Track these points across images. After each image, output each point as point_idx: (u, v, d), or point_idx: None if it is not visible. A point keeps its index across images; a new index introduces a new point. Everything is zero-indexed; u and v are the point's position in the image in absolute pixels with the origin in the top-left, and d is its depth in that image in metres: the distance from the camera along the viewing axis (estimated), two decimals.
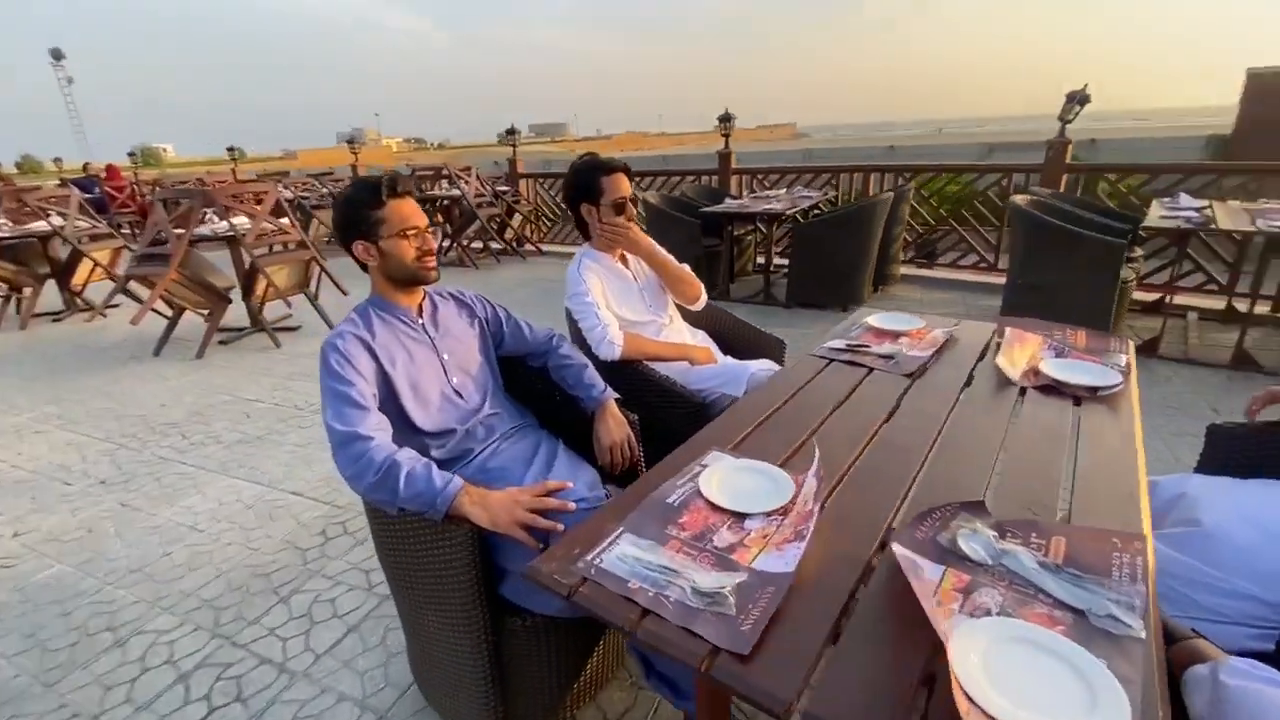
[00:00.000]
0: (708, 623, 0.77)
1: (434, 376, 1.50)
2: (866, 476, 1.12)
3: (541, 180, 7.77)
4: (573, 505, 1.20)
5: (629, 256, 2.07)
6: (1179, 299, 4.39)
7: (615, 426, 1.57)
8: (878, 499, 1.04)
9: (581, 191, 1.95)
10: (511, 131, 7.36)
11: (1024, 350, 1.59)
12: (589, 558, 0.90)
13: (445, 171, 7.04)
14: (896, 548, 0.86)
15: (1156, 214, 3.67)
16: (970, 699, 0.64)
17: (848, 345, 1.71)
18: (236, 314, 4.61)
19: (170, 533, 2.33)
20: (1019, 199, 3.98)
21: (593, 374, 1.66)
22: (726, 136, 6.17)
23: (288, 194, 5.42)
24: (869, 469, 1.14)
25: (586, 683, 1.47)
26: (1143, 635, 0.73)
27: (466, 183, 6.64)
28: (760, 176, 6.29)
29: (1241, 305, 4.22)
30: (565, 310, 1.97)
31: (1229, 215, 3.51)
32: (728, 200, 5.39)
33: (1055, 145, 4.78)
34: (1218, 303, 4.32)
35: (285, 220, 4.56)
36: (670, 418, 1.73)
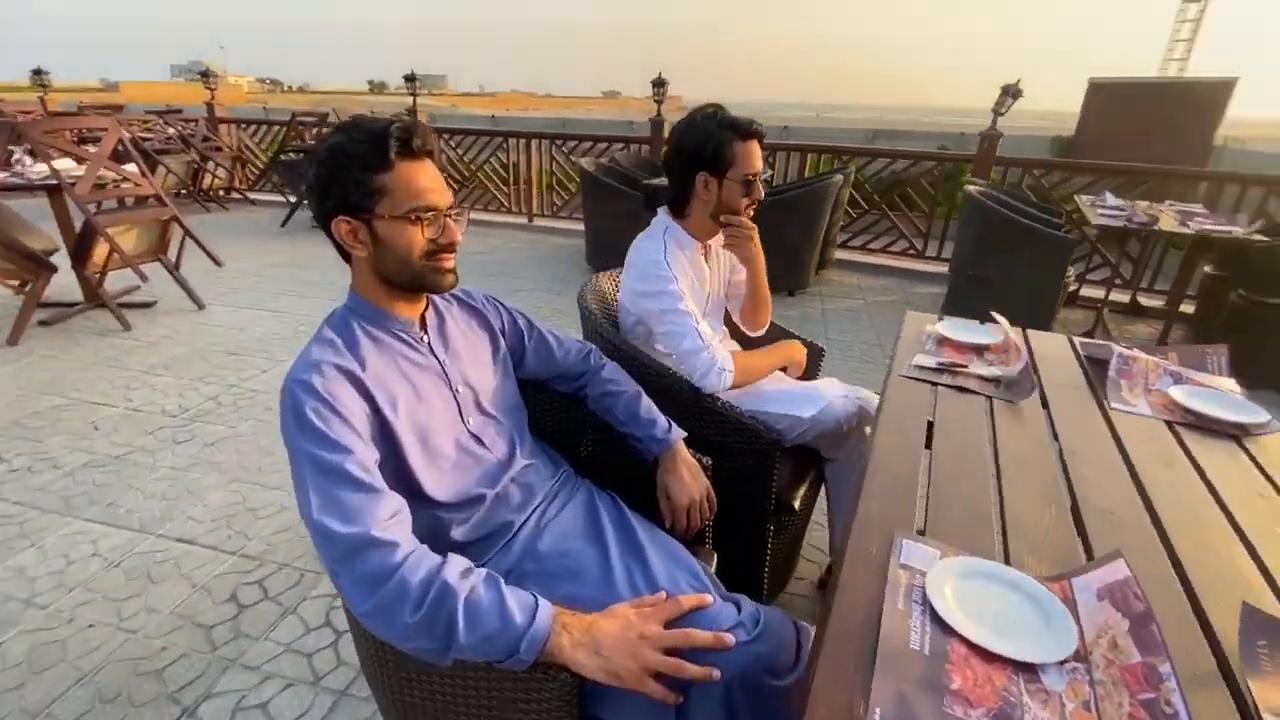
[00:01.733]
0: None
1: (447, 418, 1.05)
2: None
3: (448, 135, 6.91)
4: (732, 640, 0.83)
5: (714, 251, 1.65)
6: (1085, 291, 4.69)
7: (691, 479, 1.19)
8: (1164, 604, 0.76)
9: (705, 157, 1.45)
10: (411, 79, 6.45)
11: (1139, 373, 1.41)
12: None
13: (333, 120, 6.04)
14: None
15: (1095, 213, 3.80)
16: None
17: (939, 365, 1.45)
18: (62, 286, 3.59)
19: None
20: (972, 189, 3.98)
21: (650, 406, 1.26)
22: (659, 103, 5.77)
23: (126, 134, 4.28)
24: (1104, 548, 0.87)
25: None
26: None
27: None
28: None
29: (1145, 300, 4.58)
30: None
31: (1166, 218, 3.69)
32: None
33: (987, 137, 4.88)
34: (1122, 296, 4.65)
35: (132, 167, 3.58)
36: (732, 461, 1.37)
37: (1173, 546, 0.89)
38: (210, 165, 6.61)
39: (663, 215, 1.59)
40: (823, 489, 1.69)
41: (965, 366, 1.44)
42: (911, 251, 5.40)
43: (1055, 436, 1.20)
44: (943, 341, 1.59)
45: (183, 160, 5.99)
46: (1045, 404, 1.32)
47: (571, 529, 1.08)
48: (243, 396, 2.81)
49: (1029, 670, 0.67)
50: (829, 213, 4.55)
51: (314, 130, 6.25)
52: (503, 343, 1.21)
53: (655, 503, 1.22)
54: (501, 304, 1.25)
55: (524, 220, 6.46)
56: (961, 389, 1.35)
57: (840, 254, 5.35)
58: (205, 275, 4.31)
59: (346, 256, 1.01)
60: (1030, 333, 1.71)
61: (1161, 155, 15.11)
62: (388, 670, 0.92)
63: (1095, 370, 1.48)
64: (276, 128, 7.16)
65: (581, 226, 5.18)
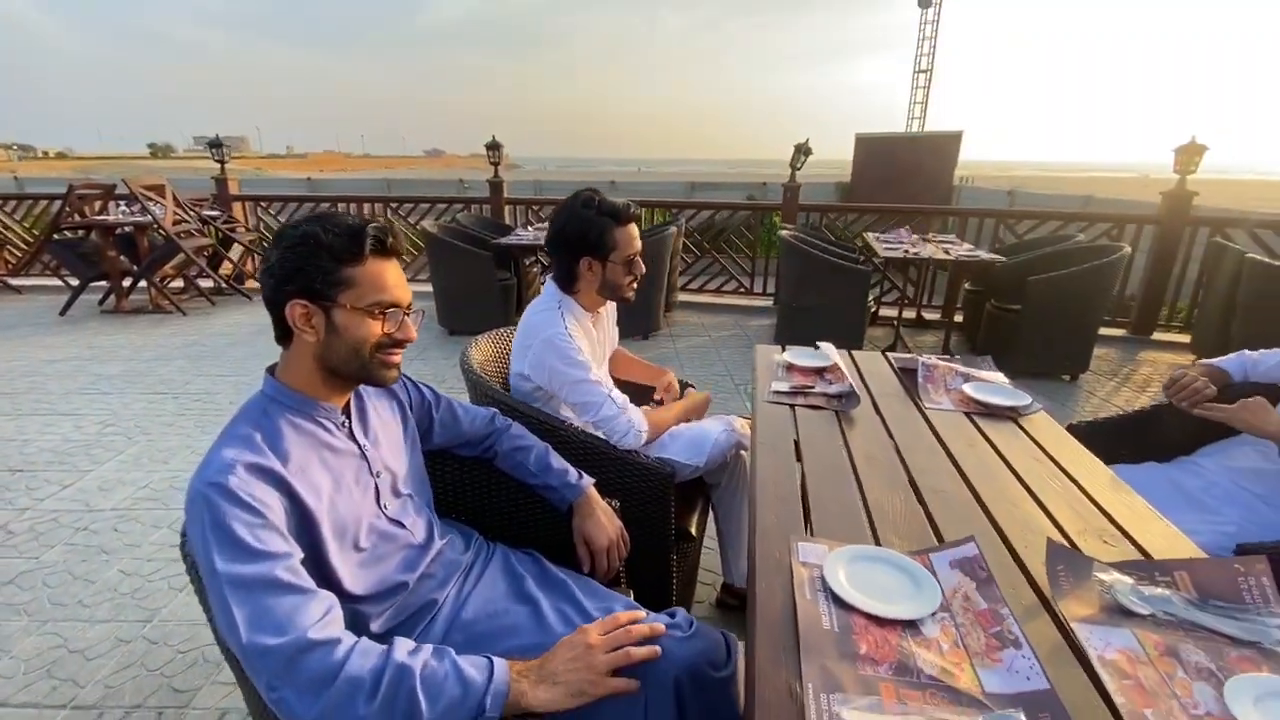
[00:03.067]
0: None
1: (366, 507, 1.03)
2: (956, 528, 1.06)
3: (266, 204, 6.42)
4: (663, 629, 0.91)
5: (602, 316, 1.75)
6: (883, 311, 5.54)
7: (607, 521, 1.27)
8: (993, 554, 0.98)
9: (589, 244, 1.56)
10: (216, 144, 5.94)
11: (939, 377, 1.75)
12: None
13: (123, 190, 5.35)
14: (1083, 628, 0.82)
15: (880, 247, 4.54)
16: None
17: (791, 389, 1.68)
18: None
19: None
20: (785, 233, 4.56)
21: (558, 457, 1.32)
22: (496, 165, 5.88)
23: None
24: (948, 520, 1.09)
25: None
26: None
27: (160, 205, 5.12)
28: (537, 208, 6.15)
29: (927, 314, 5.49)
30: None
31: (931, 247, 4.50)
32: (517, 232, 5.12)
33: (790, 189, 5.63)
34: (910, 313, 5.54)
35: None
36: (634, 499, 1.47)
37: (989, 511, 1.15)
38: None
39: (553, 289, 1.68)
40: (711, 513, 1.84)
41: (812, 388, 1.68)
42: (742, 289, 5.98)
43: (890, 435, 1.45)
44: (790, 368, 1.84)
45: None
46: (878, 410, 1.60)
47: (494, 592, 1.10)
48: (42, 521, 2.36)
49: (912, 626, 0.84)
50: (669, 259, 4.92)
51: (98, 204, 5.47)
52: (411, 419, 1.21)
53: (569, 555, 1.27)
54: (408, 379, 1.25)
55: None
56: (814, 407, 1.58)
57: (682, 296, 5.77)
58: None
59: (284, 339, 0.99)
60: (854, 353, 2.03)
61: (916, 194, 18.32)
62: None
63: (908, 378, 1.80)
64: (44, 202, 6.17)
65: (429, 288, 5.06)
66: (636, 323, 4.78)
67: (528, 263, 5.28)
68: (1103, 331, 4.83)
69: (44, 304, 5.49)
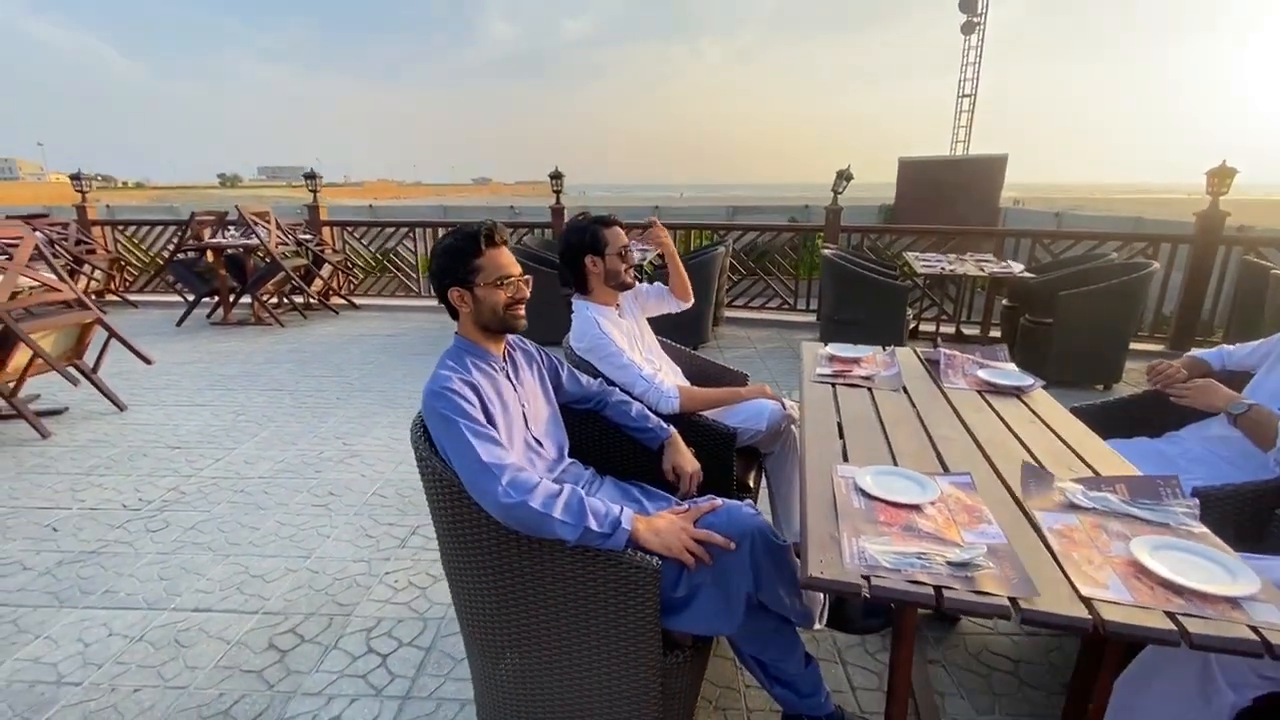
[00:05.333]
0: (991, 583, 0.97)
1: (519, 427, 1.47)
2: (958, 462, 1.42)
3: (350, 228, 7.13)
4: (733, 545, 1.25)
5: (624, 307, 2.17)
6: (922, 327, 5.80)
7: (691, 455, 1.67)
8: (984, 477, 1.33)
9: (586, 245, 2.03)
10: (311, 175, 6.67)
11: (958, 364, 2.09)
12: (849, 559, 1.04)
13: (233, 217, 6.09)
14: (1040, 514, 1.17)
15: (919, 264, 4.85)
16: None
17: (834, 372, 2.05)
18: None
19: (25, 698, 1.70)
20: (828, 251, 4.92)
21: (647, 411, 1.74)
22: (558, 193, 6.44)
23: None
24: (953, 457, 1.45)
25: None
26: (1199, 529, 1.13)
27: (266, 229, 5.82)
28: None
29: (966, 329, 5.73)
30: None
31: (962, 265, 4.79)
32: None
33: (832, 211, 5.99)
34: (949, 328, 5.79)
35: (48, 272, 3.55)
36: (704, 451, 1.86)
37: (985, 452, 1.49)
38: (86, 269, 6.31)
39: (577, 301, 2.12)
40: (765, 479, 2.21)
41: (850, 372, 2.05)
42: (785, 305, 6.34)
43: (913, 405, 1.81)
44: (831, 359, 2.20)
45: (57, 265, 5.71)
46: (905, 389, 1.95)
47: (609, 496, 1.51)
48: (205, 484, 2.88)
49: (916, 508, 1.20)
50: (718, 277, 5.33)
51: (212, 230, 6.22)
52: (546, 377, 1.65)
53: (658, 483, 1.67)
54: (544, 351, 1.70)
55: (435, 302, 6.74)
56: (851, 385, 1.95)
57: (729, 312, 6.16)
58: (113, 379, 4.19)
59: (453, 314, 1.46)
60: (889, 347, 2.38)
61: (961, 217, 18.31)
62: (520, 561, 1.26)
63: (931, 367, 2.15)
64: (156, 228, 7.02)
65: None
66: (686, 336, 5.19)
67: None
68: (1141, 346, 5.01)
69: (158, 316, 6.25)
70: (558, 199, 6.47)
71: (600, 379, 1.83)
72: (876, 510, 1.19)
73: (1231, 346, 1.99)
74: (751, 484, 2.01)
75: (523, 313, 1.48)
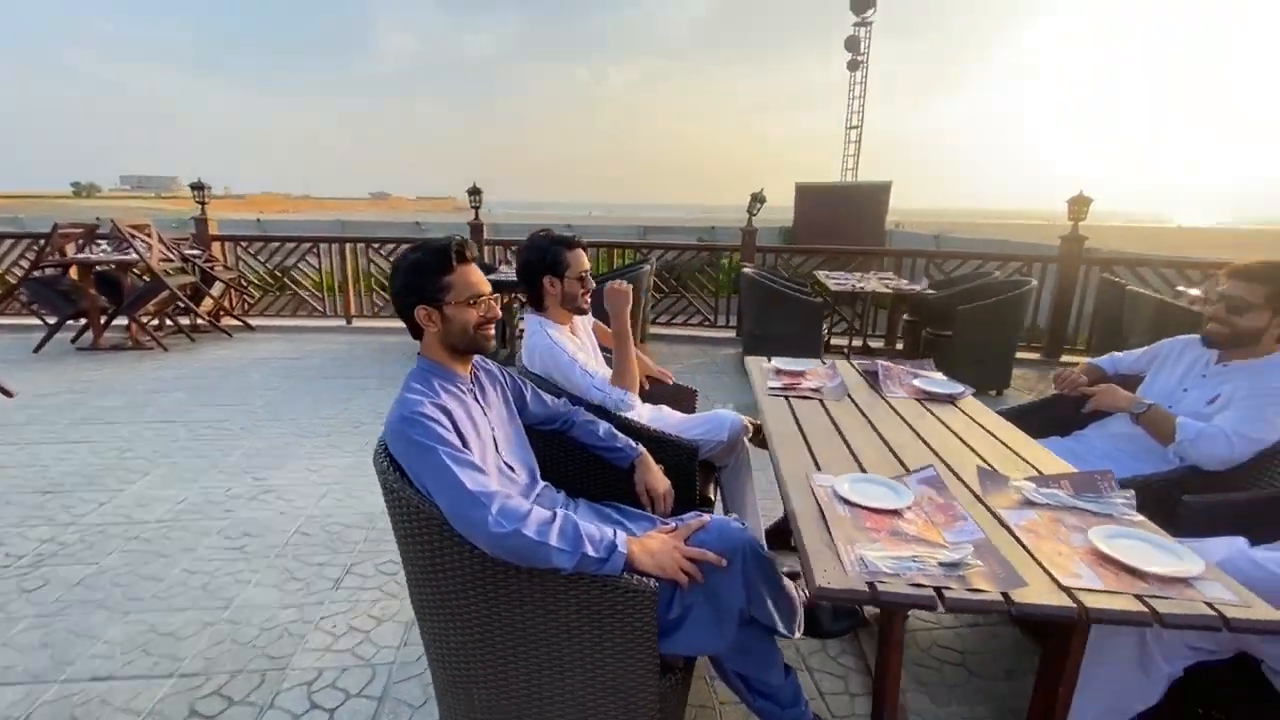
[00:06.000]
0: (981, 580, 1.03)
1: (491, 451, 1.41)
2: (914, 465, 1.50)
3: (245, 243, 6.57)
4: (725, 562, 1.25)
5: (578, 327, 2.14)
6: (834, 340, 6.16)
7: (662, 474, 1.66)
8: (946, 478, 1.42)
9: (546, 265, 1.98)
10: (198, 186, 6.10)
11: (895, 375, 2.23)
12: (850, 567, 1.07)
13: (104, 230, 5.45)
14: (1004, 511, 1.27)
15: (831, 283, 5.14)
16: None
17: (784, 385, 2.12)
18: None
19: None
20: (749, 270, 5.11)
21: (614, 430, 1.71)
22: (476, 209, 6.28)
23: None
24: (912, 462, 1.53)
25: None
26: (1139, 518, 1.26)
27: (146, 244, 5.24)
28: (507, 247, 6.55)
29: (872, 343, 6.13)
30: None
31: (869, 283, 5.14)
32: (501, 269, 5.49)
33: (747, 232, 6.25)
34: (857, 341, 6.17)
35: None
36: (669, 465, 1.86)
37: (938, 453, 1.60)
38: None
39: (530, 317, 2.08)
40: (719, 492, 2.23)
41: (798, 384, 2.13)
42: (706, 322, 6.50)
43: (863, 414, 1.91)
44: (778, 372, 2.28)
45: None
46: (851, 399, 2.05)
47: (587, 519, 1.47)
48: (89, 532, 2.52)
49: (896, 513, 1.26)
50: (643, 295, 5.39)
51: (79, 244, 5.52)
52: (511, 398, 1.59)
53: (630, 502, 1.65)
54: (507, 371, 1.63)
55: (341, 322, 6.34)
56: (803, 397, 2.03)
57: (653, 329, 6.23)
58: None
59: (416, 333, 1.37)
60: (828, 360, 2.50)
61: (854, 237, 19.73)
62: (514, 589, 1.18)
63: (870, 377, 2.28)
64: (4, 242, 6.14)
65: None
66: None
67: (509, 298, 5.65)
68: (1021, 355, 5.56)
69: (9, 342, 5.45)
70: (476, 215, 6.31)
71: (564, 398, 1.78)
72: (862, 517, 1.24)
73: (1121, 354, 2.26)
74: (713, 496, 2.02)
75: (493, 333, 1.42)
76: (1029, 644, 1.92)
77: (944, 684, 1.81)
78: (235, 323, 6.13)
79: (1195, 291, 4.89)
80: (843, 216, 21.58)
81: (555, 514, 1.17)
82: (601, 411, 1.88)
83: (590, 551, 1.13)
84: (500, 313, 1.46)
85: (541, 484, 1.52)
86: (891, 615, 1.20)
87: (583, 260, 2.04)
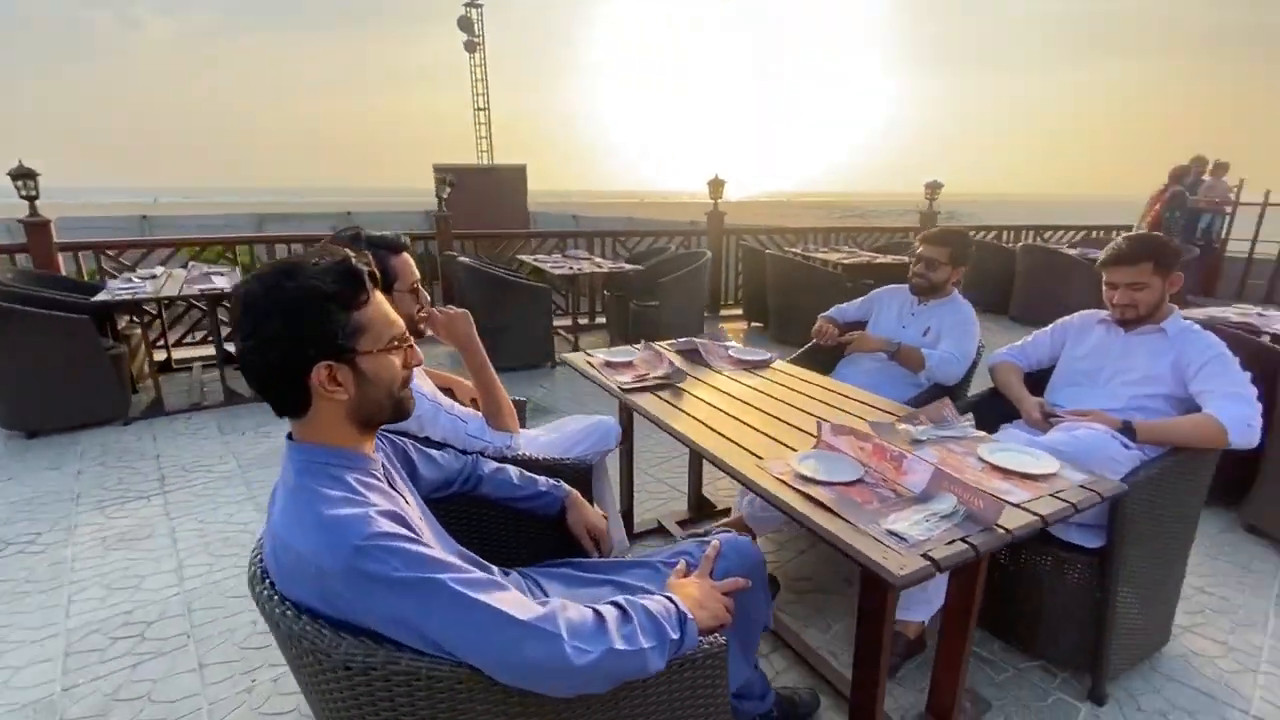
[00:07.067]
0: (981, 518, 1.18)
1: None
2: (790, 416, 1.63)
3: None
4: (750, 583, 1.15)
5: None
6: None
7: (595, 510, 1.42)
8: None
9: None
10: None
11: (712, 350, 2.36)
12: (904, 543, 1.10)
13: None
14: (915, 453, 1.49)
15: (548, 267, 5.14)
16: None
17: (635, 379, 2.05)
18: None
19: None
20: (466, 260, 4.74)
21: (528, 473, 1.40)
22: (32, 200, 4.28)
23: None
24: (807, 425, 1.66)
25: None
26: (980, 433, 1.62)
27: None
28: (114, 251, 4.71)
29: (581, 319, 6.38)
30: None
31: (579, 264, 5.32)
32: (114, 284, 3.90)
33: (441, 218, 5.78)
34: (566, 320, 6.35)
35: None
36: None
37: (814, 415, 1.76)
38: None
39: None
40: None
41: (646, 376, 2.09)
42: None
43: (723, 391, 1.98)
44: (610, 365, 2.19)
45: None
46: (696, 379, 2.10)
47: (561, 595, 1.19)
48: None
49: (859, 481, 1.35)
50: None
51: None
52: (401, 467, 1.15)
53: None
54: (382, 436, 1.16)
55: None
56: (659, 387, 1.99)
57: None
58: None
59: (298, 408, 0.89)
60: (642, 343, 2.50)
61: (501, 220, 20.13)
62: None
63: (690, 356, 2.36)
64: None
65: None
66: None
67: (129, 322, 4.11)
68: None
69: None
70: (32, 208, 4.32)
71: (448, 449, 1.36)
72: (850, 494, 1.29)
73: (844, 305, 2.82)
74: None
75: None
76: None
77: (816, 611, 2.05)
78: None
79: (826, 254, 6.42)
80: (485, 198, 21.73)
81: (616, 605, 0.90)
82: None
83: (672, 634, 0.91)
84: (423, 356, 1.03)
85: (497, 570, 1.14)
86: (885, 594, 1.24)
87: (411, 267, 1.58)
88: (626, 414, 2.25)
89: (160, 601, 2.12)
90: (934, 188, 7.57)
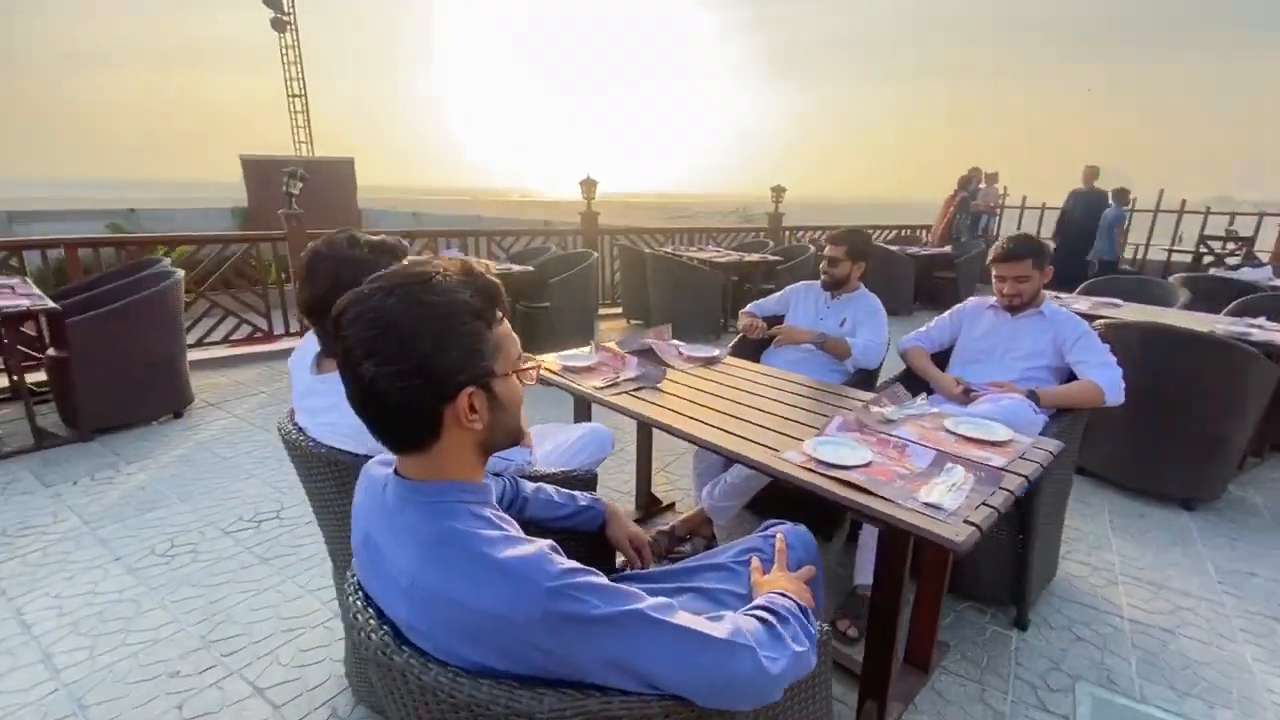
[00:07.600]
0: (991, 483, 1.37)
1: None
2: (802, 419, 1.76)
3: None
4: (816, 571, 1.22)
5: None
6: None
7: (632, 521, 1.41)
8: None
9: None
10: None
11: (666, 349, 2.41)
12: (943, 512, 1.25)
13: None
14: (897, 432, 1.67)
15: None
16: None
17: (609, 382, 2.03)
18: None
19: None
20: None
21: (567, 490, 1.35)
22: None
23: None
24: (800, 416, 1.78)
25: None
26: (935, 409, 1.86)
27: None
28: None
29: None
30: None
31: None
32: None
33: (292, 216, 5.17)
34: None
35: None
36: None
37: (796, 405, 1.89)
38: None
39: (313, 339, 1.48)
40: None
41: (618, 379, 2.08)
42: (259, 333, 5.13)
43: (691, 387, 2.04)
44: (574, 370, 2.16)
45: None
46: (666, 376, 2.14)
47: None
48: None
49: (869, 464, 1.49)
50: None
51: None
52: None
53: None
54: None
55: None
56: (635, 390, 2.00)
57: (195, 354, 4.53)
58: None
59: (420, 441, 0.80)
60: (593, 343, 2.48)
61: (326, 217, 18.30)
62: None
63: (649, 356, 2.38)
64: None
65: None
66: (148, 409, 3.62)
67: None
68: None
69: None
70: None
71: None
72: (874, 474, 1.42)
73: (762, 300, 3.01)
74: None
75: None
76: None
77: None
78: None
79: (700, 251, 6.69)
80: (309, 195, 19.54)
81: (768, 608, 0.93)
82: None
83: (814, 630, 0.96)
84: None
85: None
86: (937, 554, 1.39)
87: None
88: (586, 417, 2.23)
89: (35, 703, 1.69)
90: (779, 191, 8.30)
